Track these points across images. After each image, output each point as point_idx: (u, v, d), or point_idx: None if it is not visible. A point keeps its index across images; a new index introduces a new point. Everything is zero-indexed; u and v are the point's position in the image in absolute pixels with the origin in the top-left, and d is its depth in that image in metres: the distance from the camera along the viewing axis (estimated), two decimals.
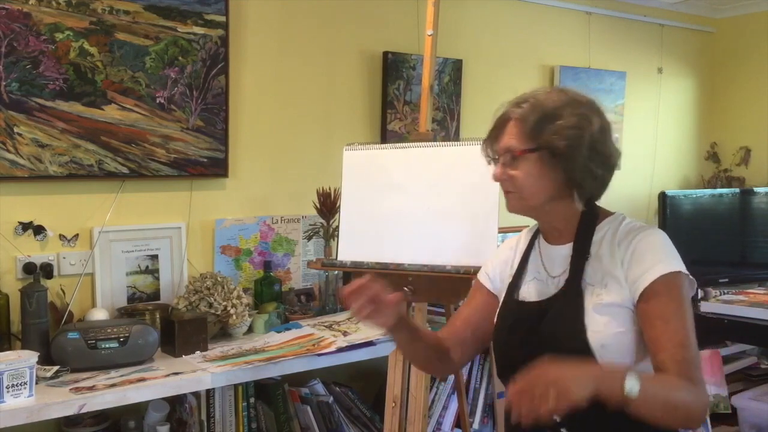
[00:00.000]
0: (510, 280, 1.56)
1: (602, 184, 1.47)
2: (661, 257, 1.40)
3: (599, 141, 1.43)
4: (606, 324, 1.38)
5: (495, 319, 1.56)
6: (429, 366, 1.71)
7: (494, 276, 1.60)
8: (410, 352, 1.63)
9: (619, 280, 1.40)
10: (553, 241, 1.52)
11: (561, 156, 1.40)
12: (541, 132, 1.41)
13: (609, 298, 1.40)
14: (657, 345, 1.35)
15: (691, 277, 1.43)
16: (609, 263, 1.43)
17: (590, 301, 1.41)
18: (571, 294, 1.43)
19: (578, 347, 1.37)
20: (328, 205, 2.76)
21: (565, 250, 1.48)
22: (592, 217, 1.49)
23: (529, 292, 1.51)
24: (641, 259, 1.40)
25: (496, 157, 1.48)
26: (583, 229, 1.47)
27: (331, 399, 2.61)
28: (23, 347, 2.17)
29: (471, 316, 1.60)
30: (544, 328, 1.43)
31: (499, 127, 1.48)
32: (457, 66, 3.44)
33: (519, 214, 1.49)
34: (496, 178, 1.48)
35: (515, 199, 1.47)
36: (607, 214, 1.51)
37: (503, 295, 1.57)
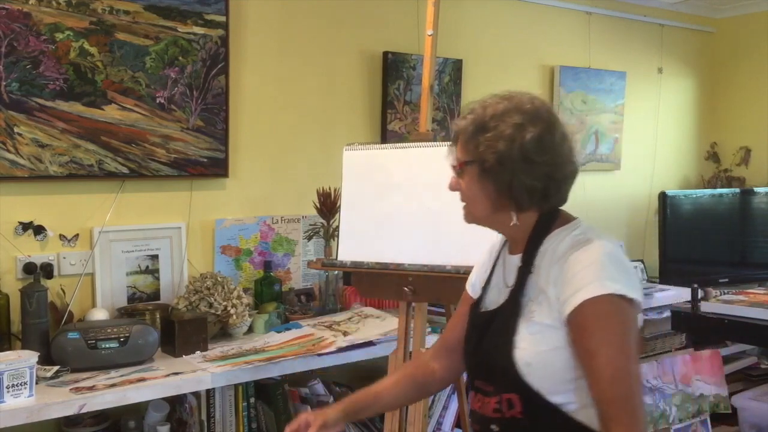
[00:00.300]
0: (482, 285, 1.54)
1: (544, 195, 1.37)
2: (591, 278, 1.26)
3: (534, 151, 1.33)
4: (534, 342, 1.31)
5: None
6: (414, 400, 1.77)
7: (475, 281, 1.58)
8: (384, 410, 1.65)
9: (550, 300, 1.31)
10: (511, 250, 1.46)
11: (490, 169, 1.35)
12: (477, 144, 1.37)
13: (540, 317, 1.32)
14: (588, 380, 1.26)
15: (635, 298, 1.27)
16: (544, 280, 1.34)
17: (524, 318, 1.34)
18: (510, 308, 1.37)
19: (506, 364, 1.33)
20: (328, 205, 2.76)
21: (518, 261, 1.41)
22: (544, 227, 1.39)
23: (490, 300, 1.47)
24: (571, 279, 1.28)
25: (453, 166, 1.46)
26: (533, 239, 1.39)
27: (331, 399, 2.61)
28: (23, 347, 2.17)
29: (457, 324, 1.57)
30: (485, 340, 1.41)
31: (454, 137, 1.46)
32: (457, 66, 3.44)
33: (474, 224, 1.46)
34: (450, 189, 1.46)
35: (465, 210, 1.45)
36: (565, 221, 1.41)
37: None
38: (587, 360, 1.25)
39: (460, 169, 1.42)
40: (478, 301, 1.50)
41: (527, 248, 1.40)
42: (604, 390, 1.23)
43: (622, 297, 1.25)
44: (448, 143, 1.49)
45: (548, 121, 1.38)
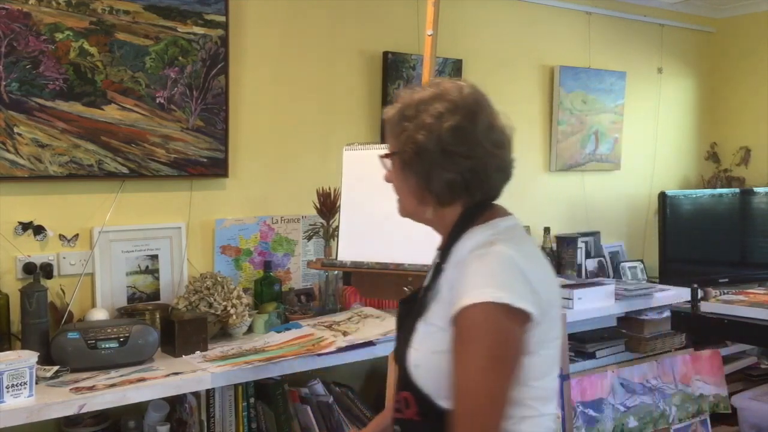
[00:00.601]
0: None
1: (466, 189, 1.29)
2: (476, 284, 1.19)
3: (451, 142, 1.26)
4: (425, 343, 1.26)
5: None
6: None
7: None
8: None
9: (444, 301, 1.25)
10: (440, 245, 1.39)
11: (410, 161, 1.29)
12: (399, 134, 1.31)
13: (434, 318, 1.26)
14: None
15: (523, 308, 1.17)
16: (444, 280, 1.28)
17: (423, 317, 1.29)
18: (417, 306, 1.32)
19: (403, 362, 1.29)
20: (328, 205, 2.76)
21: (437, 258, 1.36)
22: (465, 224, 1.31)
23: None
24: (462, 283, 1.21)
25: (382, 157, 1.40)
26: (452, 236, 1.32)
27: (331, 399, 2.61)
28: (23, 347, 2.16)
29: None
30: (397, 336, 1.41)
31: (382, 126, 1.41)
32: (457, 66, 3.44)
33: (408, 218, 1.40)
34: (386, 181, 1.40)
35: (398, 204, 1.39)
36: (490, 218, 1.32)
37: None
38: (453, 367, 1.19)
39: (387, 160, 1.36)
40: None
41: (445, 245, 1.33)
42: (459, 403, 1.17)
43: (505, 306, 1.16)
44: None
45: (471, 110, 1.30)
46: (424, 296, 1.31)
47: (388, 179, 1.38)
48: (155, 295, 2.63)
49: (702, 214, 4.09)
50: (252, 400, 2.46)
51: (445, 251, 1.32)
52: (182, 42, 2.63)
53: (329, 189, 2.76)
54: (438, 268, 1.32)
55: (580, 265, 3.78)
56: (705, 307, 2.84)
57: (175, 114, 2.63)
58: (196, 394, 2.34)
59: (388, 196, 2.03)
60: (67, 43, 2.41)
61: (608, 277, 3.90)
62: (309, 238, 2.89)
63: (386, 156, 1.36)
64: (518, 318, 1.18)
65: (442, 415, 1.22)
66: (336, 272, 2.80)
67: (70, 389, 1.99)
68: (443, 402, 1.23)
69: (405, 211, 1.38)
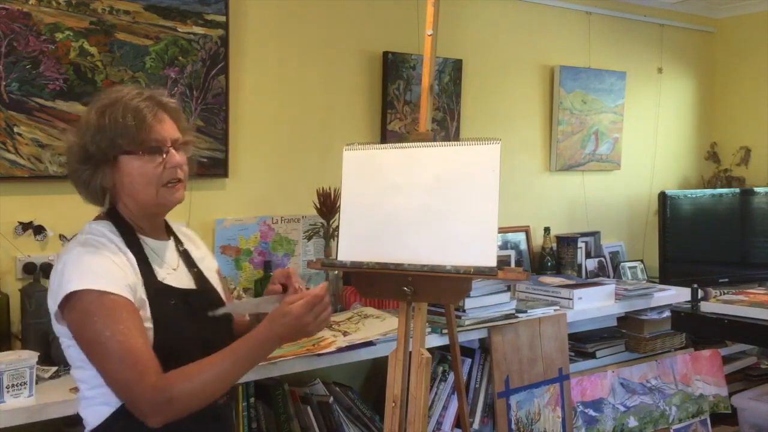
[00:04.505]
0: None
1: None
2: (53, 288, 1.44)
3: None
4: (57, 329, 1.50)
5: None
6: None
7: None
8: None
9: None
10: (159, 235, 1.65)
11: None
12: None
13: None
14: None
15: (94, 289, 1.38)
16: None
17: None
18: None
19: None
20: (328, 205, 2.76)
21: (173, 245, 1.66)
22: None
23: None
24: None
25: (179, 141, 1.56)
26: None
27: (331, 399, 2.61)
28: (23, 347, 2.16)
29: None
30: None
31: (176, 113, 1.59)
32: (457, 66, 3.44)
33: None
34: (182, 167, 1.56)
35: (183, 189, 1.58)
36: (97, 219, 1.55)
37: None
38: None
39: (188, 147, 1.57)
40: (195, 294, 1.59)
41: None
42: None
43: (81, 292, 1.38)
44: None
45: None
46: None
47: (182, 163, 1.53)
48: None
49: (702, 214, 4.09)
50: (252, 400, 2.45)
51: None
52: (182, 42, 2.63)
53: (329, 189, 2.76)
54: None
55: (580, 265, 3.78)
56: (705, 307, 2.84)
57: None
58: None
59: (388, 197, 2.04)
60: (67, 43, 2.41)
61: (608, 277, 3.90)
62: (309, 238, 2.89)
63: (186, 143, 1.57)
64: (96, 294, 1.43)
65: None
66: (336, 272, 2.80)
67: (70, 389, 1.99)
68: None
69: (184, 195, 1.56)
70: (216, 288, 1.65)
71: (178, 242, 1.64)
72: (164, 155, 1.48)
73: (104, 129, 1.45)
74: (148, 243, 1.54)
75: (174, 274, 1.56)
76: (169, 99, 1.55)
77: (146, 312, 1.45)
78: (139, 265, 1.48)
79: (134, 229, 1.53)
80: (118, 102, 1.47)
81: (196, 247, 1.70)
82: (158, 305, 1.47)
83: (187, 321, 1.50)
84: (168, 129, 1.50)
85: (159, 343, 1.44)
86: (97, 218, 1.54)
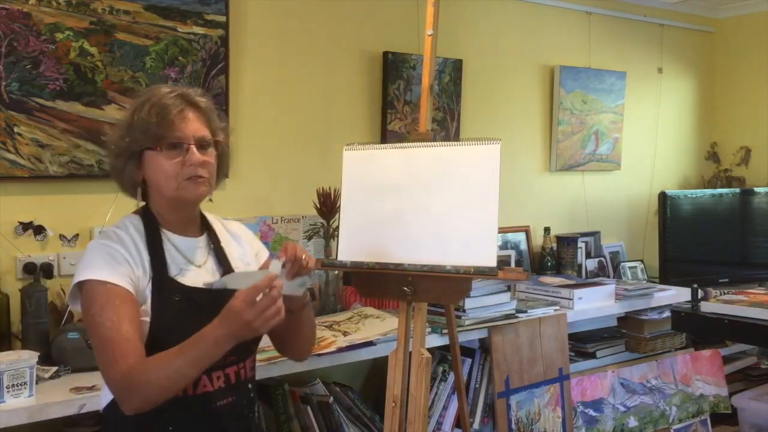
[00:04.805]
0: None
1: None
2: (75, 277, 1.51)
3: None
4: None
5: None
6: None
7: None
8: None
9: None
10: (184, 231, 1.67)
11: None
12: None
13: None
14: None
15: (98, 279, 1.46)
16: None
17: None
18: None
19: None
20: (328, 205, 2.76)
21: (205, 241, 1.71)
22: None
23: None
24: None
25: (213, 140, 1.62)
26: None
27: (331, 399, 2.61)
28: (23, 347, 2.16)
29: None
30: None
31: (208, 113, 1.63)
32: (457, 66, 3.44)
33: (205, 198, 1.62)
34: (208, 165, 1.59)
35: (207, 185, 1.59)
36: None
37: None
38: None
39: (214, 144, 1.59)
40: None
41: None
42: None
43: (86, 283, 1.47)
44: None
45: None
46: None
47: (208, 163, 1.55)
48: None
49: (702, 214, 4.09)
50: None
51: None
52: (182, 42, 2.63)
53: (329, 189, 2.76)
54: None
55: (580, 265, 3.78)
56: (705, 307, 2.84)
57: None
58: None
59: (388, 197, 2.04)
60: (67, 43, 2.41)
61: (608, 277, 3.90)
62: (309, 238, 2.89)
63: (217, 142, 1.60)
64: (98, 284, 1.50)
65: None
66: (336, 272, 2.80)
67: (70, 389, 2.00)
68: None
69: (209, 191, 1.59)
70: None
71: (213, 239, 1.65)
72: (185, 152, 1.52)
73: (133, 125, 1.53)
74: (172, 239, 1.58)
75: (194, 271, 1.58)
76: (200, 98, 1.59)
77: (147, 306, 1.50)
78: (152, 260, 1.53)
79: (160, 224, 1.58)
80: (149, 100, 1.54)
81: (239, 245, 1.70)
82: (160, 300, 1.51)
83: (188, 318, 1.50)
84: (193, 127, 1.54)
85: (153, 336, 1.48)
86: (135, 212, 1.61)
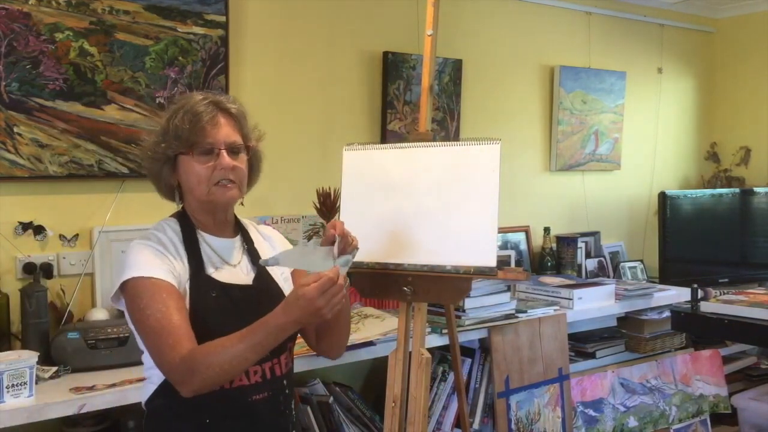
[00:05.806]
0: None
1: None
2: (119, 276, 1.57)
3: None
4: None
5: None
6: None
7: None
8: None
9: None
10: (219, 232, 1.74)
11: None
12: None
13: None
14: None
15: (142, 276, 1.51)
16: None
17: None
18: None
19: None
20: (328, 205, 2.76)
21: (239, 242, 1.78)
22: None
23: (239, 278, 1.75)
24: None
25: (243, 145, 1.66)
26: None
27: (331, 399, 2.61)
28: (23, 347, 2.17)
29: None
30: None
31: (239, 119, 1.66)
32: (457, 66, 3.44)
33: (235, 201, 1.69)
34: (238, 170, 1.65)
35: (237, 189, 1.66)
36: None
37: None
38: None
39: (245, 149, 1.65)
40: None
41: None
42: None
43: (132, 280, 1.52)
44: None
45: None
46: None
47: (238, 167, 1.61)
48: None
49: (702, 214, 4.09)
50: None
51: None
52: (182, 42, 2.63)
53: (329, 189, 2.76)
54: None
55: (580, 265, 3.78)
56: (705, 307, 2.84)
57: None
58: None
59: (388, 197, 2.04)
60: (67, 43, 2.41)
61: (608, 277, 3.90)
62: (309, 238, 2.89)
63: (249, 148, 1.66)
64: (142, 280, 1.55)
65: None
66: None
67: (70, 389, 2.00)
68: None
69: (240, 195, 1.67)
70: (279, 286, 1.71)
71: (246, 240, 1.72)
72: (216, 157, 1.58)
73: (168, 131, 1.59)
74: (207, 239, 1.65)
75: (229, 270, 1.64)
76: (231, 104, 1.63)
77: (186, 302, 1.56)
78: (189, 259, 1.60)
79: (195, 226, 1.65)
80: (183, 107, 1.59)
81: (271, 246, 1.77)
82: (198, 296, 1.57)
83: (224, 312, 1.57)
84: (224, 132, 1.59)
85: (194, 330, 1.53)
86: (172, 216, 1.68)
